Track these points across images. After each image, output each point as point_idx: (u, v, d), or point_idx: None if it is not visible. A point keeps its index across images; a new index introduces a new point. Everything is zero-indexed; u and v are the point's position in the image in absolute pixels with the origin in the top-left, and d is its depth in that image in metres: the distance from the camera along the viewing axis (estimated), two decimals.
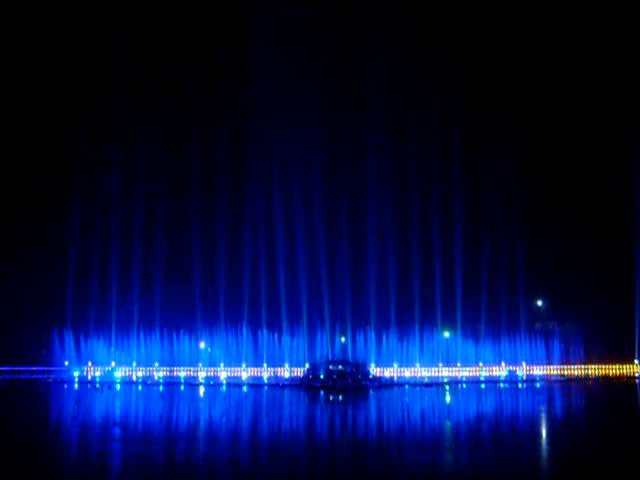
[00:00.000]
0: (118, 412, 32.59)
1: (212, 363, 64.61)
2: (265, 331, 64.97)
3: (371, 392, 46.32)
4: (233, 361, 63.99)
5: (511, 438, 22.45)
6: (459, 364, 63.91)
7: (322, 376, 54.31)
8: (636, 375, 61.32)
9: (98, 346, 65.74)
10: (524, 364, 64.15)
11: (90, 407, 35.27)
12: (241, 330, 65.04)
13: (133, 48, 65.21)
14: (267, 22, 65.51)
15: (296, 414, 31.42)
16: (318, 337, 64.41)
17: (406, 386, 51.94)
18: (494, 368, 63.60)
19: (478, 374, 61.64)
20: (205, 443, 21.45)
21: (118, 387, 51.07)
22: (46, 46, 66.91)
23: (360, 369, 55.25)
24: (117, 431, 23.82)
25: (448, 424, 26.72)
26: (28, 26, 67.19)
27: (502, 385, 53.67)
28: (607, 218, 68.21)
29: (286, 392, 46.21)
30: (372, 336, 63.62)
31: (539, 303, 76.33)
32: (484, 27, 67.27)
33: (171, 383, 54.89)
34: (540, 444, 21.28)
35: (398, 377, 58.77)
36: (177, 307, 65.45)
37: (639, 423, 27.22)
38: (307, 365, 58.31)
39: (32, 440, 21.82)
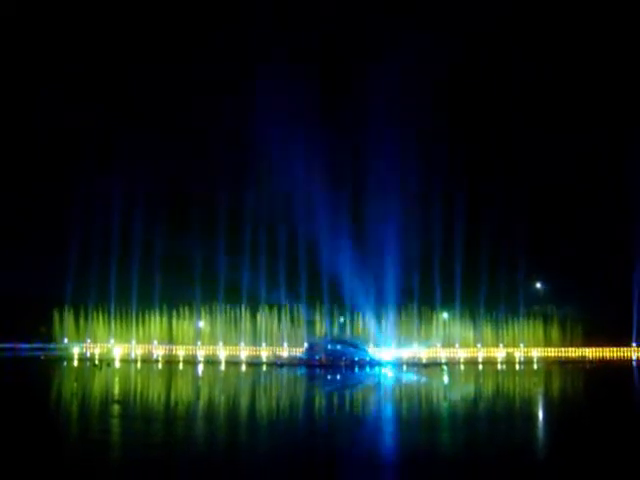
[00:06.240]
0: (118, 389, 32.82)
1: (211, 341, 64.90)
2: (264, 310, 65.10)
3: (367, 370, 46.54)
4: (232, 340, 64.28)
5: (500, 417, 22.62)
6: (457, 345, 64.14)
7: (320, 355, 54.68)
8: (633, 358, 61.54)
9: (97, 323, 66.00)
10: (522, 346, 64.40)
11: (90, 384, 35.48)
12: (240, 309, 65.25)
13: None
14: None
15: (293, 390, 31.64)
16: (317, 316, 64.59)
17: (403, 366, 52.18)
18: (492, 349, 63.87)
19: (476, 355, 61.88)
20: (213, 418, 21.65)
21: (117, 364, 51.28)
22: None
23: (358, 348, 55.56)
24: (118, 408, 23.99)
25: (442, 402, 26.90)
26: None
27: (499, 366, 53.88)
28: (605, 202, 68.32)
29: (284, 370, 46.42)
30: (371, 316, 63.74)
31: (538, 286, 76.42)
32: None
33: (170, 361, 55.10)
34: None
35: (396, 357, 58.98)
36: (176, 285, 65.52)
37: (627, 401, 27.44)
38: (306, 344, 58.57)
39: (31, 418, 21.98)
